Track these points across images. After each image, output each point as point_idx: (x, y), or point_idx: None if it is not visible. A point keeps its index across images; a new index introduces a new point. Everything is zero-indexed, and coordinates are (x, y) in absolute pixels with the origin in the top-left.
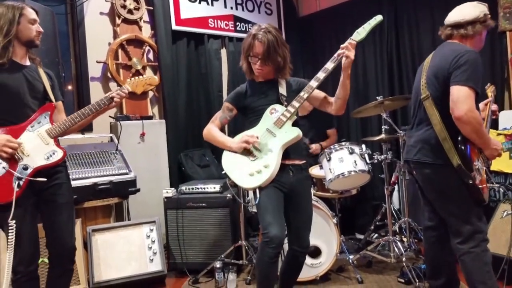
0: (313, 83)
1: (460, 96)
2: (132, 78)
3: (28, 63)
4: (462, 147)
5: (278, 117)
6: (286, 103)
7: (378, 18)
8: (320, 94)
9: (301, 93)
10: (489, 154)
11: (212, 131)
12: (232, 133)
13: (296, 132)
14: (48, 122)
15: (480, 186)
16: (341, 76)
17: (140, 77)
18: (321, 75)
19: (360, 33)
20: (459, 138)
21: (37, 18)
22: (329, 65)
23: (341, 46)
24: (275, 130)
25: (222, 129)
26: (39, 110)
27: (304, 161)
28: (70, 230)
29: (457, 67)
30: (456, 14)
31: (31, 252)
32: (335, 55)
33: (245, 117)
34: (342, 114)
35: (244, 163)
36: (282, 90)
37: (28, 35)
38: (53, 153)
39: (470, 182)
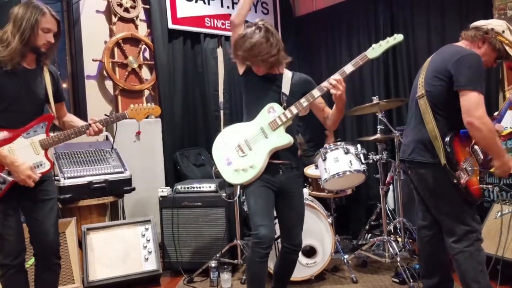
0: (316, 92)
1: (472, 103)
2: (135, 105)
3: (34, 65)
4: (448, 148)
5: (274, 118)
6: (285, 104)
7: (399, 38)
8: (320, 104)
9: (301, 100)
10: (499, 166)
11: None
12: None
13: (287, 140)
14: (44, 132)
15: (473, 187)
16: (334, 105)
17: (143, 105)
18: (325, 84)
19: (376, 49)
20: (446, 139)
21: (53, 27)
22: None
23: (331, 81)
24: (268, 131)
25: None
26: (37, 119)
27: (293, 161)
28: (51, 225)
29: (462, 69)
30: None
31: (17, 245)
32: (324, 85)
33: (244, 97)
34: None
35: (233, 157)
36: (286, 88)
37: (36, 41)
38: (41, 164)
39: (455, 182)
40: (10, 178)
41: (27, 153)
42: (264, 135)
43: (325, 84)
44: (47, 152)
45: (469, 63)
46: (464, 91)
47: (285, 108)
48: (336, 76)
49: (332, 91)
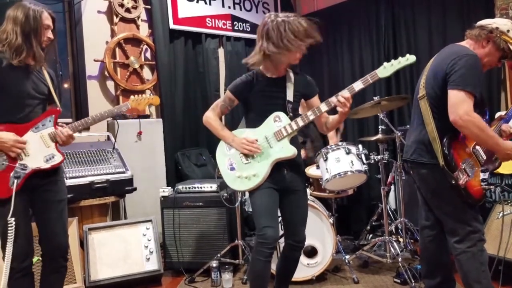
0: (324, 107)
1: (457, 101)
2: (136, 96)
3: (33, 62)
4: (446, 150)
5: (280, 128)
6: (291, 113)
7: (411, 59)
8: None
9: (308, 113)
10: (502, 157)
11: (213, 121)
12: (229, 124)
13: (291, 152)
14: (52, 125)
15: (473, 188)
16: (337, 116)
17: (143, 95)
18: (333, 101)
19: (387, 68)
20: (444, 140)
21: (51, 24)
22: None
23: (339, 99)
24: (272, 141)
25: (220, 118)
26: (44, 113)
27: (297, 159)
28: (62, 227)
29: (455, 70)
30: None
31: (25, 248)
32: (332, 100)
33: (245, 109)
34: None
35: (236, 163)
36: (290, 94)
37: (41, 39)
38: (53, 157)
39: (453, 183)
40: (23, 172)
41: (38, 146)
42: (269, 144)
43: (333, 99)
44: (57, 145)
45: (464, 63)
46: (452, 90)
47: (291, 118)
48: (345, 93)
49: (339, 108)
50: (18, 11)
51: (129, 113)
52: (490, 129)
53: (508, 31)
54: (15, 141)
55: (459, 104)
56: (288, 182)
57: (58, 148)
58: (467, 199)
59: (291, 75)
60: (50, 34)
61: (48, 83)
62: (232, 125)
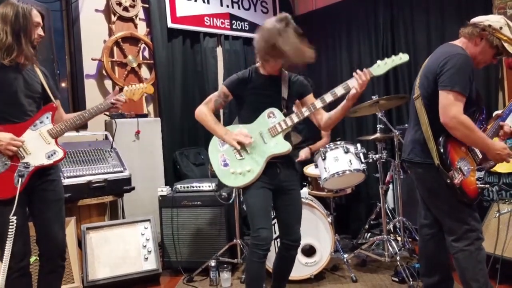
0: (318, 103)
1: (447, 102)
2: (129, 86)
3: (24, 61)
4: (441, 149)
5: (274, 124)
6: (285, 110)
7: (404, 58)
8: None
9: (303, 109)
10: (492, 158)
11: (206, 115)
12: (228, 123)
13: (286, 147)
14: (50, 122)
15: (469, 187)
16: (344, 102)
17: (137, 85)
18: (328, 98)
19: (381, 67)
20: (440, 139)
21: (41, 21)
22: (339, 91)
23: (356, 76)
24: (267, 137)
25: (216, 114)
26: (41, 110)
27: (289, 158)
28: (60, 226)
29: (445, 70)
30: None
31: (22, 248)
32: (348, 83)
33: (238, 105)
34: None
35: (230, 159)
36: (284, 92)
37: (32, 36)
38: (54, 153)
39: (448, 182)
40: (27, 170)
41: (38, 144)
42: (263, 140)
43: (329, 95)
44: (57, 141)
45: (453, 63)
46: (443, 91)
47: (285, 114)
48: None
49: (356, 86)
50: (7, 9)
51: (126, 111)
52: (480, 130)
53: (501, 28)
54: (10, 139)
55: (449, 106)
56: (282, 181)
57: (58, 144)
58: (462, 198)
59: (286, 74)
60: (40, 32)
61: (42, 81)
62: (229, 120)
